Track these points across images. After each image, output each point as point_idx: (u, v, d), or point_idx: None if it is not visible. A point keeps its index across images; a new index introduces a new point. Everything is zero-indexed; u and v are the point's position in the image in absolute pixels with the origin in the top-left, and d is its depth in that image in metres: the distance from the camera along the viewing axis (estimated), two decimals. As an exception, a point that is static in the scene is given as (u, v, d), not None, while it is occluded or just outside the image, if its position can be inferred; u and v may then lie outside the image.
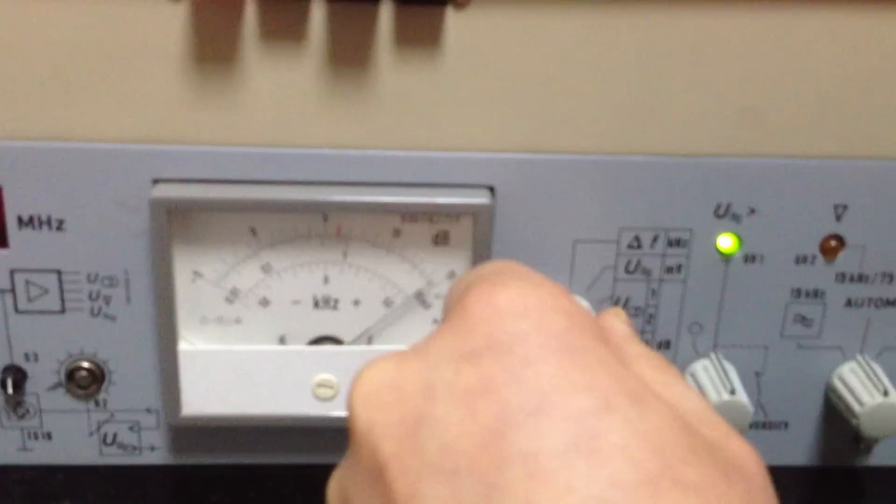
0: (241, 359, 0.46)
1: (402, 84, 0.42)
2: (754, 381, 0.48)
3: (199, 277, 0.45)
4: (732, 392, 0.44)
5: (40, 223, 0.43)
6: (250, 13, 0.41)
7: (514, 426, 0.23)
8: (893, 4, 0.42)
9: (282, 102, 0.42)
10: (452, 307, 0.28)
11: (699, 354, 0.47)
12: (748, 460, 0.25)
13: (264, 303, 0.46)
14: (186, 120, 0.42)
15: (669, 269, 0.46)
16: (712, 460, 0.23)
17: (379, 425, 0.25)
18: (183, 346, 0.45)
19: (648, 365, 0.28)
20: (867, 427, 0.45)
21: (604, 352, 0.25)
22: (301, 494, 0.48)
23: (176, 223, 0.43)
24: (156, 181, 0.43)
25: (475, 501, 0.22)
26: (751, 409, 0.44)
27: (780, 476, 0.50)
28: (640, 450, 0.22)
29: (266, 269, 0.45)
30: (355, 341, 0.46)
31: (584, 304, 0.46)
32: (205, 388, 0.46)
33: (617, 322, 0.31)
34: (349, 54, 0.42)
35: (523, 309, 0.26)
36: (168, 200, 0.42)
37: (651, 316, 0.47)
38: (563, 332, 0.25)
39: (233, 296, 0.45)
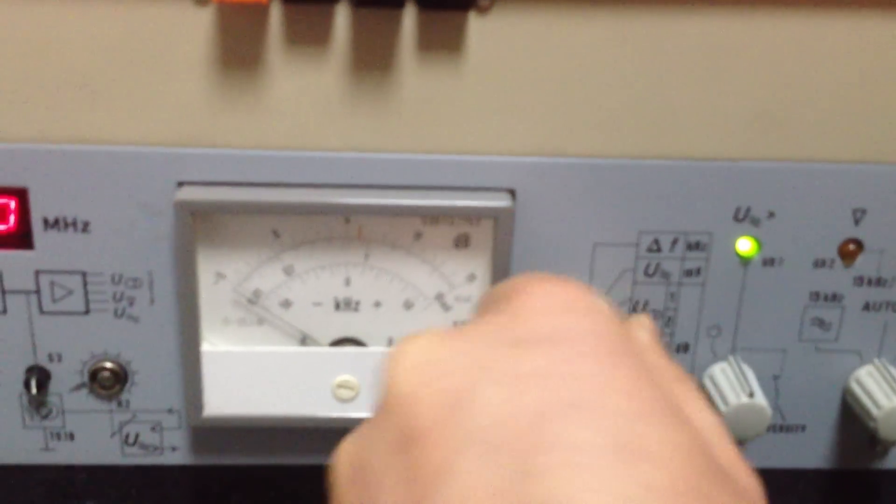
0: (262, 360, 0.46)
1: (424, 88, 0.43)
2: (772, 384, 0.48)
3: (222, 279, 0.45)
4: (751, 395, 0.45)
5: (66, 225, 0.44)
6: (275, 17, 0.41)
7: (558, 415, 0.23)
8: (913, 10, 0.42)
9: (305, 106, 0.43)
10: (500, 300, 0.28)
11: (718, 357, 0.48)
12: (755, 490, 0.26)
13: (286, 304, 0.46)
14: (211, 123, 0.43)
15: (688, 273, 0.46)
16: (729, 483, 0.24)
17: (421, 395, 0.26)
18: (205, 347, 0.46)
19: (668, 376, 0.29)
20: (884, 430, 0.45)
21: (640, 361, 0.26)
22: (321, 495, 0.48)
23: (200, 225, 0.44)
24: (180, 184, 0.43)
25: (509, 480, 0.23)
26: (769, 411, 0.45)
27: (798, 479, 0.50)
28: (673, 460, 0.23)
29: (288, 270, 0.45)
30: (376, 343, 0.47)
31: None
32: (226, 389, 0.46)
33: (641, 331, 0.32)
34: (372, 58, 0.42)
35: (577, 307, 0.26)
36: (192, 203, 0.43)
37: (670, 319, 0.47)
38: (611, 337, 0.26)
39: (255, 297, 0.46)
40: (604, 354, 0.25)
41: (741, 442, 0.47)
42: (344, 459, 0.28)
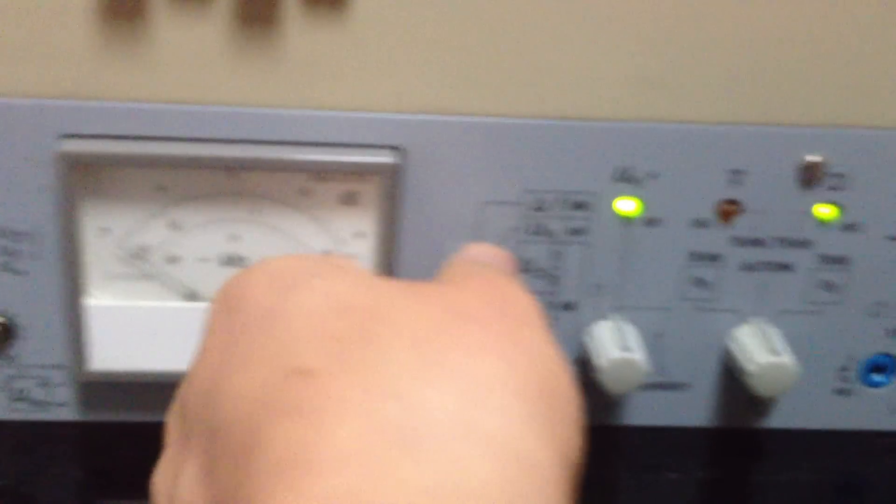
0: (149, 315, 0.46)
1: (310, 42, 0.43)
2: (655, 342, 0.49)
3: (107, 233, 0.45)
4: (626, 349, 0.45)
5: (-53, 177, 0.44)
6: (157, -31, 0.41)
7: (229, 348, 0.28)
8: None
9: (191, 59, 0.43)
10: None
11: (601, 316, 0.48)
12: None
13: (172, 260, 0.46)
14: (95, 74, 0.43)
15: (572, 232, 0.47)
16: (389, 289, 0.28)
17: (169, 417, 0.32)
18: (91, 301, 0.46)
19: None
20: (759, 386, 0.47)
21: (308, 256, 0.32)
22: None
23: (84, 179, 0.44)
24: (64, 136, 0.43)
25: (209, 426, 0.26)
26: (644, 365, 0.46)
27: (681, 436, 0.52)
28: (312, 302, 0.27)
29: (174, 225, 0.45)
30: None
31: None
32: (113, 344, 0.46)
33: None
34: (258, 11, 0.42)
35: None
36: (75, 155, 0.43)
37: (555, 277, 0.48)
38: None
39: (141, 252, 0.46)
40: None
41: (619, 396, 0.48)
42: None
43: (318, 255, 0.32)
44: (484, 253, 0.37)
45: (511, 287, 0.30)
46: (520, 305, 0.29)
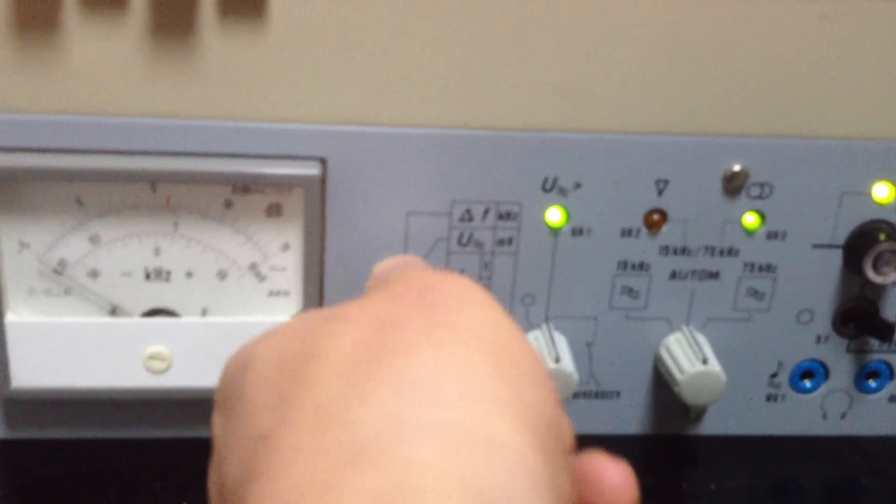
0: (70, 331, 0.45)
1: (229, 53, 0.42)
2: (586, 351, 0.49)
3: (26, 248, 0.44)
4: (557, 360, 0.45)
5: None
6: (70, -21, 0.40)
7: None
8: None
9: (106, 70, 0.42)
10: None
11: (532, 325, 0.48)
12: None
13: (94, 274, 0.45)
14: (8, 87, 0.42)
15: (501, 242, 0.47)
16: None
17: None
18: (10, 317, 0.45)
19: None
20: (688, 394, 0.47)
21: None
22: (133, 467, 0.48)
23: (1, 193, 0.43)
24: (-24, 150, 0.42)
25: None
26: (576, 376, 0.46)
27: (613, 444, 0.51)
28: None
29: (94, 239, 0.44)
30: (190, 313, 0.46)
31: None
32: (34, 361, 0.45)
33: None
34: (173, 21, 0.41)
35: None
36: (-11, 169, 0.42)
37: (485, 287, 0.47)
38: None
39: (61, 267, 0.45)
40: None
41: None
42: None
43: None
44: (395, 263, 0.37)
45: (427, 276, 0.29)
46: (440, 289, 0.28)
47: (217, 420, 0.30)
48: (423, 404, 0.23)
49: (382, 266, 0.36)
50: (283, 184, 0.44)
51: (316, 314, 0.29)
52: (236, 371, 0.29)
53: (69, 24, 0.41)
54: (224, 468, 0.27)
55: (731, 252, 0.48)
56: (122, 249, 0.45)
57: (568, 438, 0.26)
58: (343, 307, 0.29)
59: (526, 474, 0.22)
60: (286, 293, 0.47)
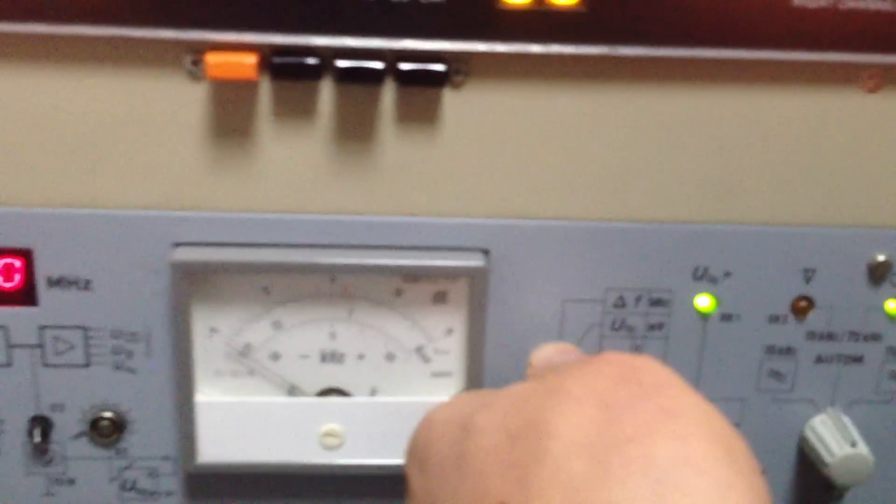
0: (252, 409, 0.49)
1: (403, 156, 0.46)
2: (733, 431, 0.51)
3: (215, 333, 0.48)
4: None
5: (68, 283, 0.47)
6: (264, 92, 0.44)
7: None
8: (848, 87, 0.45)
9: (293, 172, 0.46)
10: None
11: (681, 406, 0.50)
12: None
13: (275, 357, 0.49)
14: (205, 188, 0.46)
15: (652, 327, 0.49)
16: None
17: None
18: (199, 397, 0.49)
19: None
20: (837, 476, 0.48)
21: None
22: (308, 537, 0.51)
23: (194, 283, 0.47)
24: (176, 245, 0.46)
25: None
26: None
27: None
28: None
29: (277, 325, 0.48)
30: (360, 392, 0.50)
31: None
32: (219, 437, 0.49)
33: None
34: (355, 129, 0.45)
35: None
36: (187, 263, 0.46)
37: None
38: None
39: (246, 350, 0.49)
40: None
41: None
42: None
43: (469, 393, 0.34)
44: (553, 351, 0.39)
45: (626, 357, 0.32)
46: (649, 372, 0.31)
47: (419, 476, 0.32)
48: (674, 493, 0.25)
49: (541, 354, 0.39)
50: (451, 274, 0.47)
51: (527, 388, 0.31)
52: (451, 436, 0.31)
53: (262, 132, 0.45)
54: None
55: (875, 337, 0.49)
56: (302, 334, 0.49)
57: None
58: (559, 381, 0.31)
59: None
60: (449, 374, 0.50)
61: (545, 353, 0.40)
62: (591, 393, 0.29)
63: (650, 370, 0.31)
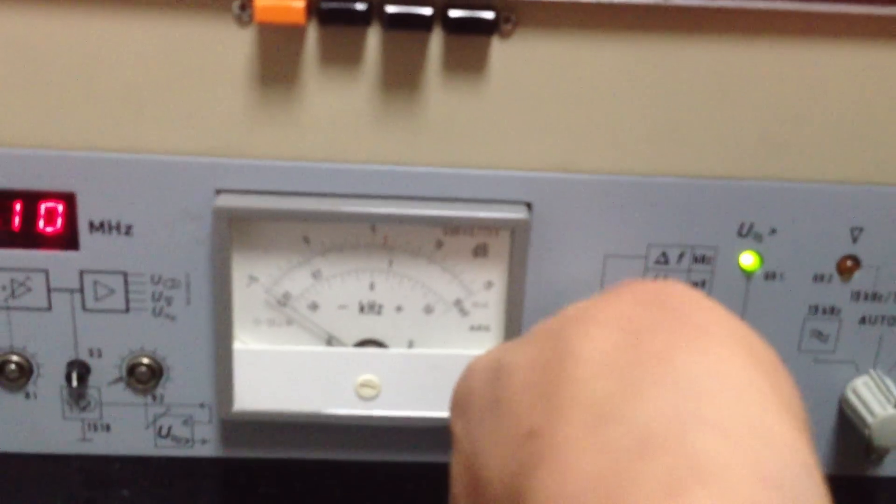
0: (290, 358, 0.49)
1: (448, 106, 0.46)
2: (772, 391, 0.51)
3: (255, 282, 0.48)
4: None
5: (110, 228, 0.47)
6: (311, 38, 0.44)
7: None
8: (908, 42, 0.45)
9: (337, 121, 0.46)
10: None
11: (720, 365, 0.50)
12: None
13: (314, 307, 0.49)
14: (249, 135, 0.46)
15: (695, 285, 0.49)
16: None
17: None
18: (237, 345, 0.49)
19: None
20: (878, 437, 0.48)
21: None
22: (344, 489, 0.51)
23: (235, 231, 0.47)
24: (219, 191, 0.46)
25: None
26: None
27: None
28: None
29: (316, 275, 0.48)
30: (397, 345, 0.50)
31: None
32: (256, 386, 0.49)
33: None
34: (401, 78, 0.45)
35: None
36: (230, 210, 0.46)
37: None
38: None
39: (285, 299, 0.49)
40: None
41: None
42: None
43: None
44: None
45: (652, 283, 0.31)
46: (675, 294, 0.30)
47: (462, 424, 0.32)
48: (702, 402, 0.25)
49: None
50: (492, 227, 0.47)
51: (552, 322, 0.31)
52: (486, 381, 0.31)
53: (307, 78, 0.45)
54: (481, 464, 0.29)
55: (922, 299, 0.49)
56: (341, 284, 0.48)
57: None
58: (583, 309, 0.31)
59: (801, 465, 0.25)
60: (487, 328, 0.50)
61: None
62: (615, 316, 0.29)
63: (675, 292, 0.30)
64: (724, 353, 0.27)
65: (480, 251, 0.48)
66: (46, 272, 0.48)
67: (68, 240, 0.47)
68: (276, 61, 0.44)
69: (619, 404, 0.26)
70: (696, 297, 0.30)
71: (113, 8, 0.43)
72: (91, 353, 0.49)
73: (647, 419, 0.25)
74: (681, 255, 0.48)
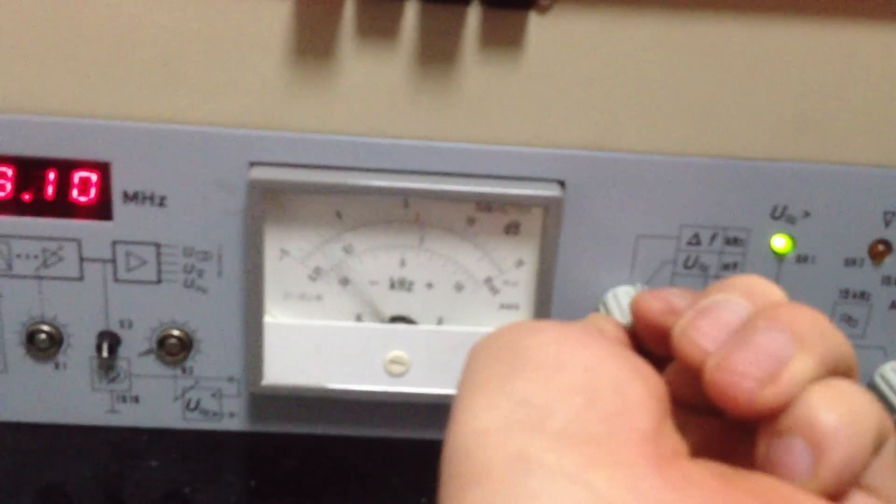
0: (320, 333, 0.49)
1: (484, 82, 0.46)
2: (801, 376, 0.51)
3: (286, 255, 0.48)
4: None
5: (143, 199, 0.47)
6: (349, 10, 0.44)
7: None
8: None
9: (373, 95, 0.46)
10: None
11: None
12: None
13: (344, 282, 0.49)
14: (284, 108, 0.46)
15: (726, 266, 0.49)
16: None
17: None
18: (267, 319, 0.49)
19: None
20: (907, 422, 0.48)
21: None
22: (371, 465, 0.51)
23: (268, 203, 0.47)
24: (253, 164, 0.46)
25: None
26: None
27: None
28: None
29: (348, 249, 0.48)
30: (427, 322, 0.50)
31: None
32: (285, 360, 0.49)
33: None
34: (437, 52, 0.45)
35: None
36: (264, 182, 0.46)
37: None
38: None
39: (316, 274, 0.49)
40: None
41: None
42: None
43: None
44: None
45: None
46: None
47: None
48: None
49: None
50: (525, 204, 0.47)
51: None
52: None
53: (344, 52, 0.45)
54: None
55: (954, 285, 0.49)
56: (372, 260, 0.48)
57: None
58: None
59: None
60: (516, 307, 0.50)
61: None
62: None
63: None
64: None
65: (512, 229, 0.48)
66: (79, 242, 0.48)
67: (102, 210, 0.47)
68: (313, 34, 0.45)
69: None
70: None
71: (152, -23, 0.43)
72: (122, 325, 0.49)
73: None
74: (713, 237, 0.48)
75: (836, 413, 0.24)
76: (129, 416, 0.52)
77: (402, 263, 0.49)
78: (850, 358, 0.28)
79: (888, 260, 0.48)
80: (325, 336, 0.49)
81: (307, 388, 0.50)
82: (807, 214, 0.48)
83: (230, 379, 0.51)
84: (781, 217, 0.48)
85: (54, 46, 0.44)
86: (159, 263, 0.48)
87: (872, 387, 0.50)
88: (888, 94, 0.46)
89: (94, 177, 0.47)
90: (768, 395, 0.25)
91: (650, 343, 0.31)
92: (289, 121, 0.46)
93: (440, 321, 0.50)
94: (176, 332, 0.50)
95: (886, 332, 0.50)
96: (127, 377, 0.51)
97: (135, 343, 0.50)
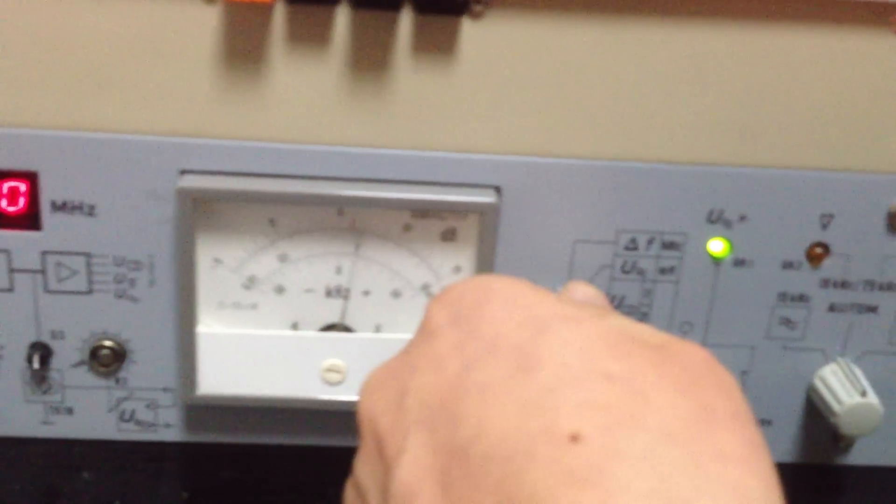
0: (255, 343, 0.48)
1: (417, 88, 0.45)
2: (741, 379, 0.51)
3: (219, 264, 0.48)
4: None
5: (73, 208, 0.46)
6: (279, 16, 0.43)
7: (472, 367, 0.27)
8: (878, 28, 0.44)
9: (305, 102, 0.45)
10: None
11: (689, 352, 0.50)
12: (689, 353, 0.27)
13: (279, 290, 0.48)
14: (214, 115, 0.45)
15: (663, 271, 0.48)
16: (642, 356, 0.26)
17: (375, 407, 0.30)
18: (201, 328, 0.48)
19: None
20: (845, 425, 0.48)
21: (548, 294, 0.29)
22: (308, 474, 0.51)
23: (200, 212, 0.46)
24: (183, 172, 0.46)
25: (446, 435, 0.26)
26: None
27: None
28: (569, 355, 0.26)
29: (282, 258, 0.48)
30: (364, 329, 0.49)
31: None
32: (220, 370, 0.49)
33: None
34: (369, 58, 0.44)
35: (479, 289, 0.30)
36: (194, 190, 0.45)
37: (644, 314, 0.49)
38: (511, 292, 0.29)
39: (250, 282, 0.48)
40: (501, 302, 0.29)
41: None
42: (349, 493, 0.32)
43: (548, 293, 0.32)
44: (586, 293, 0.36)
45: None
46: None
47: (445, 327, 0.30)
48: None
49: (577, 293, 0.35)
50: (461, 210, 0.47)
51: (625, 333, 0.28)
52: (513, 311, 0.28)
53: (274, 58, 0.44)
54: (460, 394, 0.27)
55: (891, 287, 0.49)
56: (308, 268, 0.48)
57: None
58: (655, 356, 0.27)
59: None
60: (455, 314, 0.49)
61: (579, 292, 0.35)
62: (678, 379, 0.27)
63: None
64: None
65: (449, 235, 0.48)
66: (8, 252, 0.47)
67: (31, 220, 0.46)
68: (243, 40, 0.44)
69: (684, 487, 0.24)
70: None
71: (76, -17, 0.42)
72: (53, 336, 0.49)
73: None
74: (650, 241, 0.48)
75: None
76: (64, 428, 0.51)
77: (338, 271, 0.48)
78: None
79: (826, 262, 0.48)
80: (261, 345, 0.48)
81: (243, 397, 0.49)
82: (743, 218, 0.47)
83: (165, 389, 0.50)
84: (718, 221, 0.47)
85: (-24, 54, 0.43)
86: (90, 273, 0.47)
87: (812, 389, 0.50)
88: (824, 97, 0.46)
89: (22, 186, 0.46)
90: None
91: None
92: (220, 128, 0.45)
93: (378, 328, 0.49)
94: (108, 343, 0.49)
95: (826, 334, 0.50)
96: (60, 389, 0.50)
97: (67, 354, 0.49)
